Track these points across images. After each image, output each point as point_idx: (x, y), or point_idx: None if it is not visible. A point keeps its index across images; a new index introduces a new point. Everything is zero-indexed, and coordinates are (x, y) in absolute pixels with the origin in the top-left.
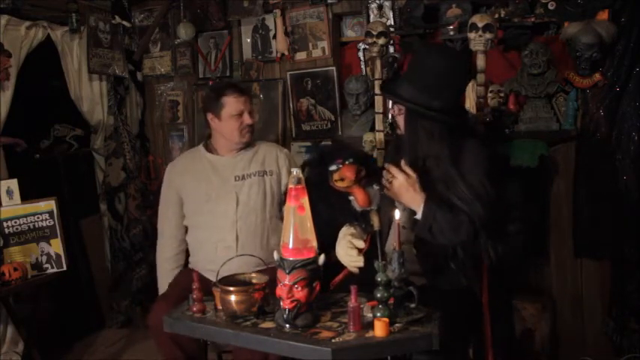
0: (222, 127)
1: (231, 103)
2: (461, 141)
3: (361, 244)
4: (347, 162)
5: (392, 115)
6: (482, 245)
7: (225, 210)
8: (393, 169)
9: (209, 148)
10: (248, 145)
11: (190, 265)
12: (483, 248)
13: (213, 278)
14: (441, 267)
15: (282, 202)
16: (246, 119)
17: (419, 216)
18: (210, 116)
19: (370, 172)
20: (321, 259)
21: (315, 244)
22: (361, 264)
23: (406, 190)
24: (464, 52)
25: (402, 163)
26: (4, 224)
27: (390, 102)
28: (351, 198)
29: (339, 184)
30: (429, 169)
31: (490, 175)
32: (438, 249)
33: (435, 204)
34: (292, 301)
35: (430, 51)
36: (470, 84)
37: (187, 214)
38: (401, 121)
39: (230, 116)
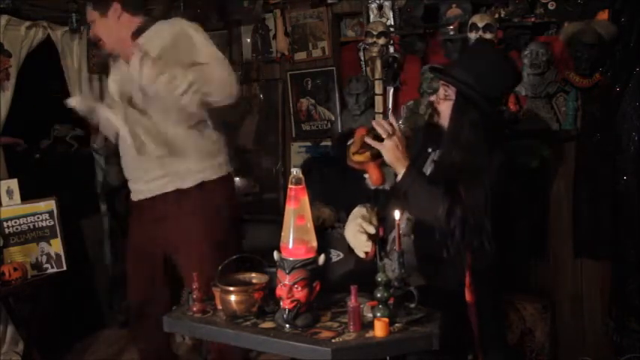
0: None
1: None
2: (494, 140)
3: (371, 230)
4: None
5: (431, 101)
6: (467, 239)
7: None
8: (390, 125)
9: None
10: None
11: None
12: (476, 242)
13: None
14: (439, 267)
15: None
16: None
17: (399, 178)
18: None
19: None
20: (321, 259)
21: (315, 244)
22: (369, 249)
23: (396, 148)
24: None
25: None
26: (4, 224)
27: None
28: (365, 176)
29: (356, 158)
30: (460, 161)
31: (501, 181)
32: (438, 250)
33: (417, 172)
34: (292, 301)
35: (486, 46)
36: None
37: None
38: (444, 107)
39: None
